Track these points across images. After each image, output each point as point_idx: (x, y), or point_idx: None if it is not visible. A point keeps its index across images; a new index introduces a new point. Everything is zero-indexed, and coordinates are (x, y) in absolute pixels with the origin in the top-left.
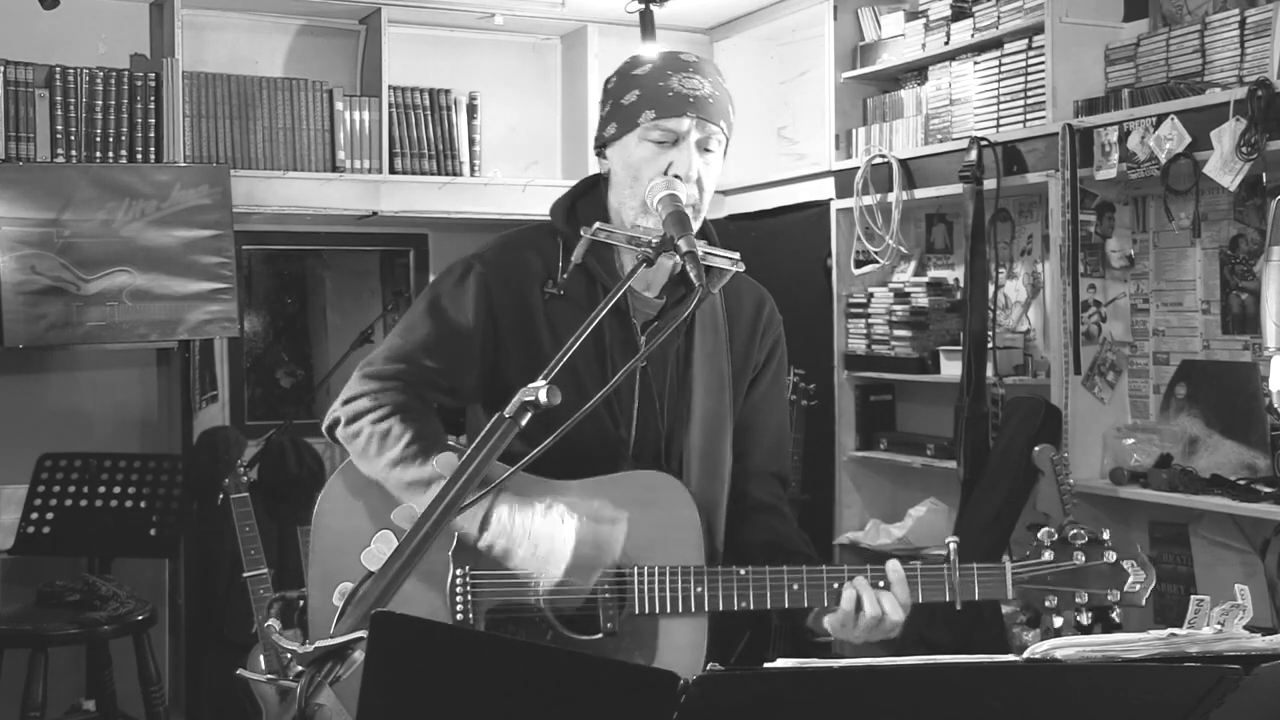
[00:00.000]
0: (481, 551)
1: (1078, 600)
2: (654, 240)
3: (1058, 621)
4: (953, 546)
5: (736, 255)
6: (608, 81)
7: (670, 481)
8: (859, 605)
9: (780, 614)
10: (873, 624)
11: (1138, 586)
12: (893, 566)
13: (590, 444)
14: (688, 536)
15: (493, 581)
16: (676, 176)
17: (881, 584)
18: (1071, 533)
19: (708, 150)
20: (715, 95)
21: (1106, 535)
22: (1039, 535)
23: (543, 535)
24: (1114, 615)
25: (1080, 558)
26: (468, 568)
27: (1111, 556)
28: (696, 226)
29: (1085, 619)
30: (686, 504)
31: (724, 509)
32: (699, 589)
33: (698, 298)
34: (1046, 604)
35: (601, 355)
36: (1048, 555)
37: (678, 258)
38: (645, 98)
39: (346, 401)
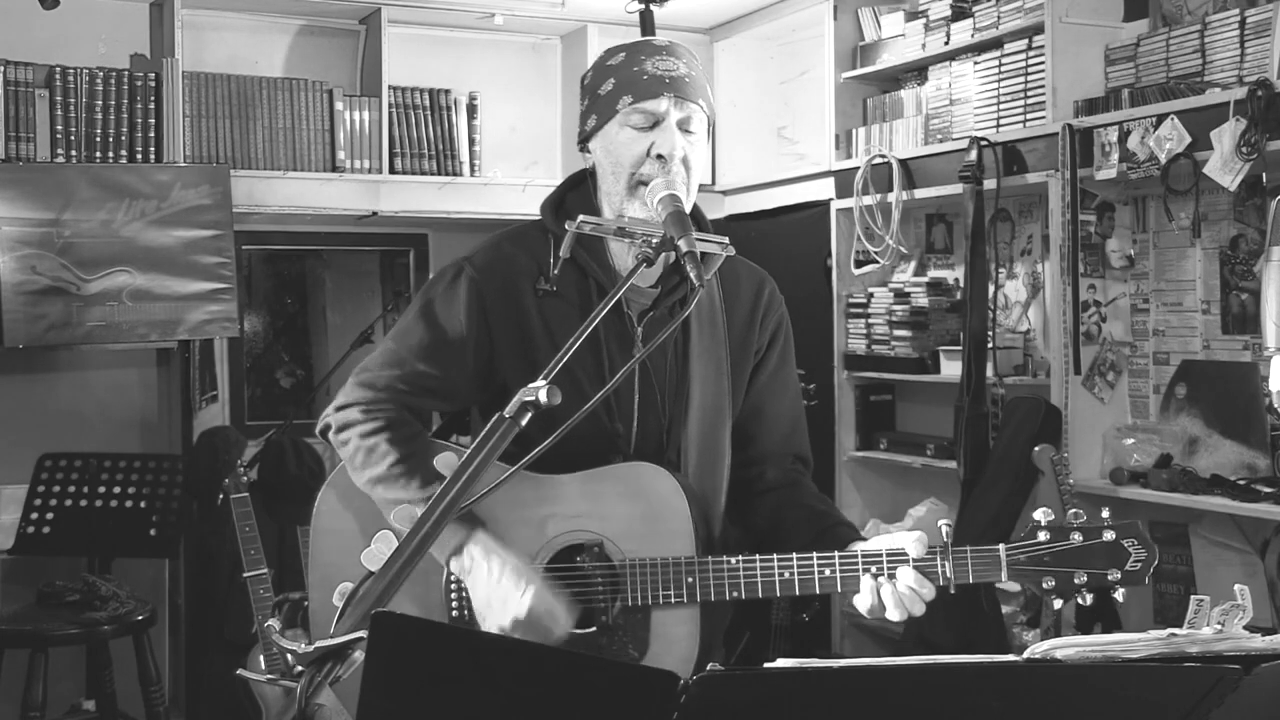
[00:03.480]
0: None
1: (1077, 581)
2: (652, 238)
3: (1057, 604)
4: (945, 529)
5: (725, 239)
6: (584, 78)
7: (659, 472)
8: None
9: (779, 606)
10: (903, 609)
11: (1139, 565)
12: (907, 553)
13: (587, 439)
14: (678, 527)
15: None
16: (660, 157)
17: (890, 572)
18: (1070, 513)
19: (689, 131)
20: (691, 75)
21: (1106, 514)
22: (1035, 516)
23: (499, 588)
24: (1116, 595)
25: (1078, 537)
26: None
27: (1110, 535)
28: (688, 209)
29: (1086, 600)
30: (676, 494)
31: (723, 499)
32: (690, 579)
33: (696, 298)
34: (1044, 585)
35: (597, 350)
36: (1043, 536)
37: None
38: (621, 84)
39: (339, 408)
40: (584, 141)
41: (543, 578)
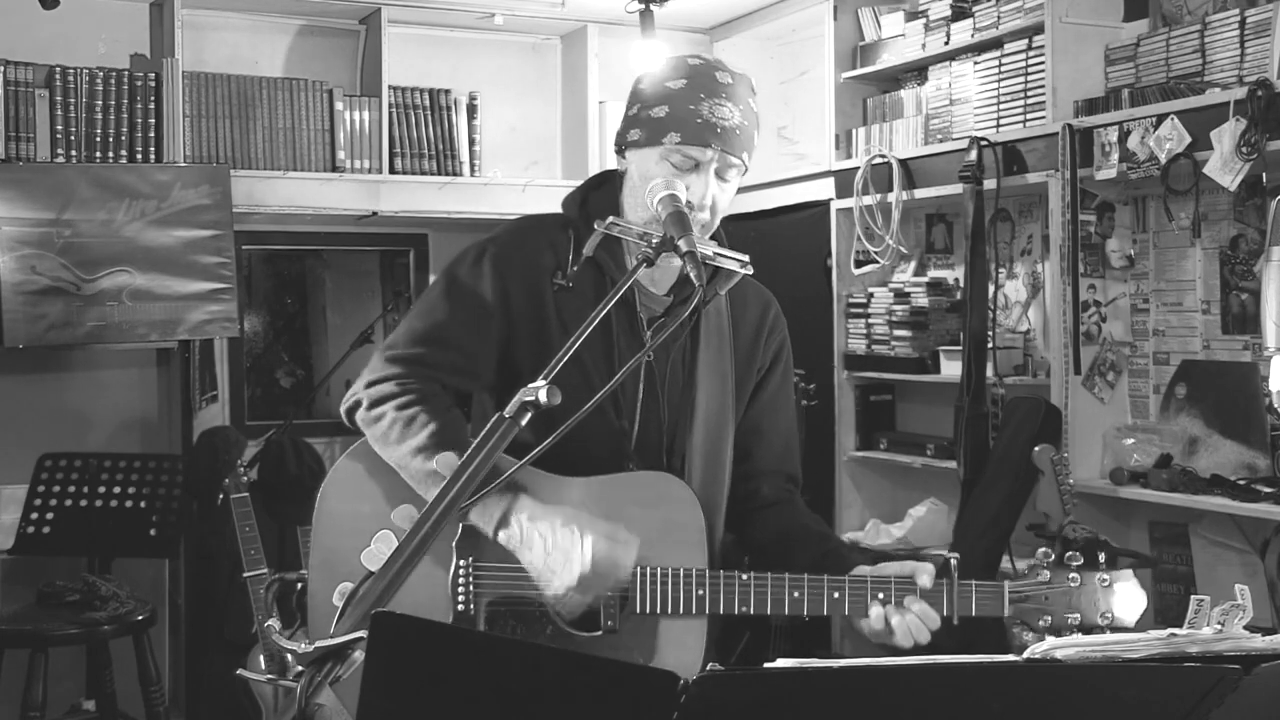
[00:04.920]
0: (486, 544)
1: (1070, 621)
2: (653, 237)
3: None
4: (953, 562)
5: (745, 258)
6: (640, 79)
7: (676, 483)
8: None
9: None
10: (909, 638)
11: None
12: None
13: (594, 436)
14: (692, 538)
15: (495, 574)
16: (689, 204)
17: (898, 599)
18: (1067, 555)
19: (725, 179)
20: (743, 125)
21: (1103, 558)
22: (1037, 555)
23: (557, 547)
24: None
25: (1075, 580)
26: (471, 559)
27: (1105, 579)
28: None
29: (1078, 636)
30: (691, 505)
31: (724, 511)
32: (700, 591)
33: (697, 297)
34: (1040, 624)
35: (609, 350)
36: (1044, 575)
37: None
38: (673, 118)
39: (370, 384)
40: (621, 147)
41: (592, 520)
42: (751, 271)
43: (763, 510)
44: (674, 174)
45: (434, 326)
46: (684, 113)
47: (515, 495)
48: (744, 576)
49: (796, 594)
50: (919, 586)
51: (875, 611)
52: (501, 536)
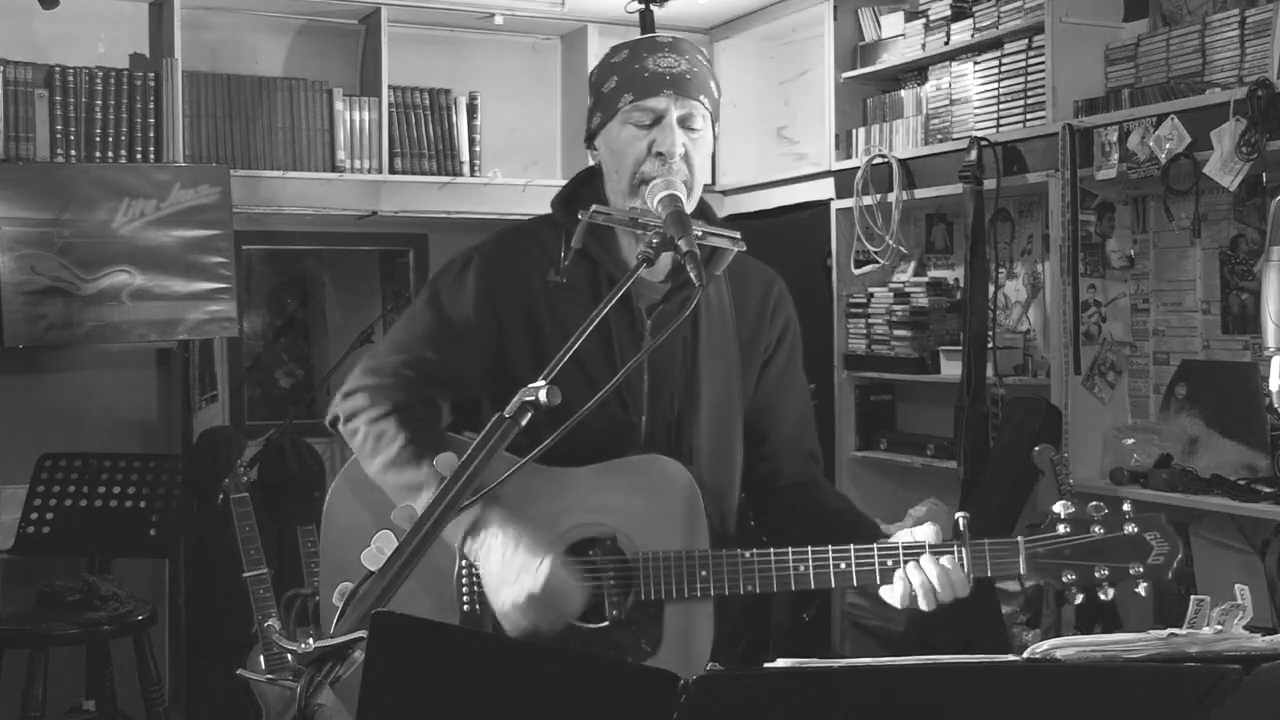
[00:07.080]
0: None
1: (1097, 574)
2: (653, 238)
3: (1079, 599)
4: (962, 521)
5: (737, 234)
6: (591, 75)
7: (674, 467)
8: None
9: (779, 606)
10: (933, 597)
11: (1161, 558)
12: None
13: (601, 431)
14: (692, 521)
15: None
16: (660, 154)
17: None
18: (1090, 504)
19: (692, 128)
20: (693, 71)
21: (1127, 506)
22: (1054, 508)
23: (516, 559)
24: (1139, 590)
25: (1099, 530)
26: None
27: (1133, 528)
28: (692, 205)
29: (1108, 594)
30: (690, 489)
31: (735, 495)
32: (704, 573)
33: (698, 297)
34: (1064, 579)
35: (606, 342)
36: (1063, 529)
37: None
38: (623, 82)
39: (345, 396)
40: (590, 139)
41: (561, 557)
42: (745, 248)
43: (785, 491)
44: (639, 134)
45: (413, 337)
46: (631, 73)
47: (489, 506)
48: (746, 555)
49: (801, 568)
50: (926, 545)
51: (898, 575)
52: (467, 545)
